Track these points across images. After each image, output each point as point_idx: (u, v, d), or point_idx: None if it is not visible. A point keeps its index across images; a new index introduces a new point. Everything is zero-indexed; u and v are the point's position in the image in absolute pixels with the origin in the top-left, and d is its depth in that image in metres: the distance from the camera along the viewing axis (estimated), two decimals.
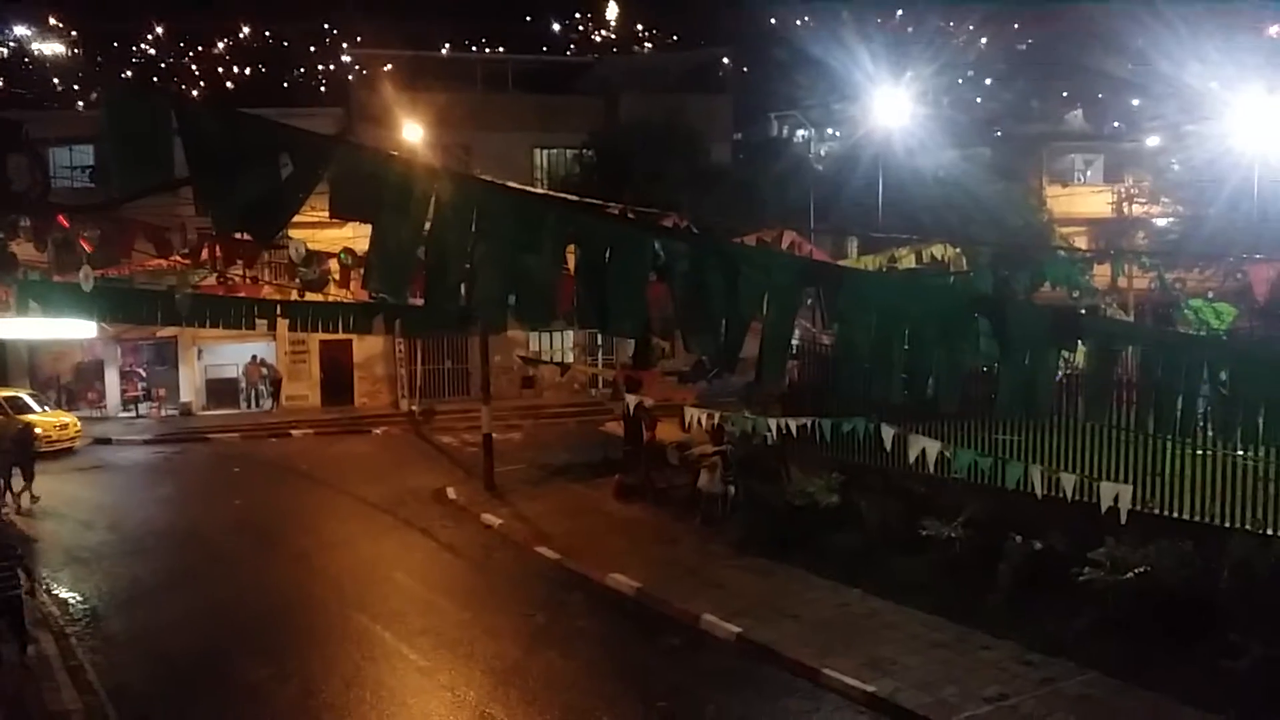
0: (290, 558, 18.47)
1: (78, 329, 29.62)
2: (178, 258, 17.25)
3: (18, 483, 22.33)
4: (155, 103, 4.66)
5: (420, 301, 5.34)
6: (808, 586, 15.57)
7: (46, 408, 30.25)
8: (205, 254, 17.21)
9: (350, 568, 17.70)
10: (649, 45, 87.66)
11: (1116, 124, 45.30)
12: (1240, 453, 12.52)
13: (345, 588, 16.51)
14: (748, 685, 12.54)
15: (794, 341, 18.20)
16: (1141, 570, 12.57)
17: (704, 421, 17.51)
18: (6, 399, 28.86)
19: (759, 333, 5.26)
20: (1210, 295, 21.29)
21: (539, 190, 25.12)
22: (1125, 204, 39.33)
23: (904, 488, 16.13)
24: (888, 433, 14.03)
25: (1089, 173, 45.09)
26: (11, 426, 24.81)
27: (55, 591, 16.40)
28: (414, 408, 34.24)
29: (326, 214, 4.71)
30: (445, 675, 12.91)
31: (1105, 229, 40.94)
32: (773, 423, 16.15)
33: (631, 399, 18.98)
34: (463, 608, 15.65)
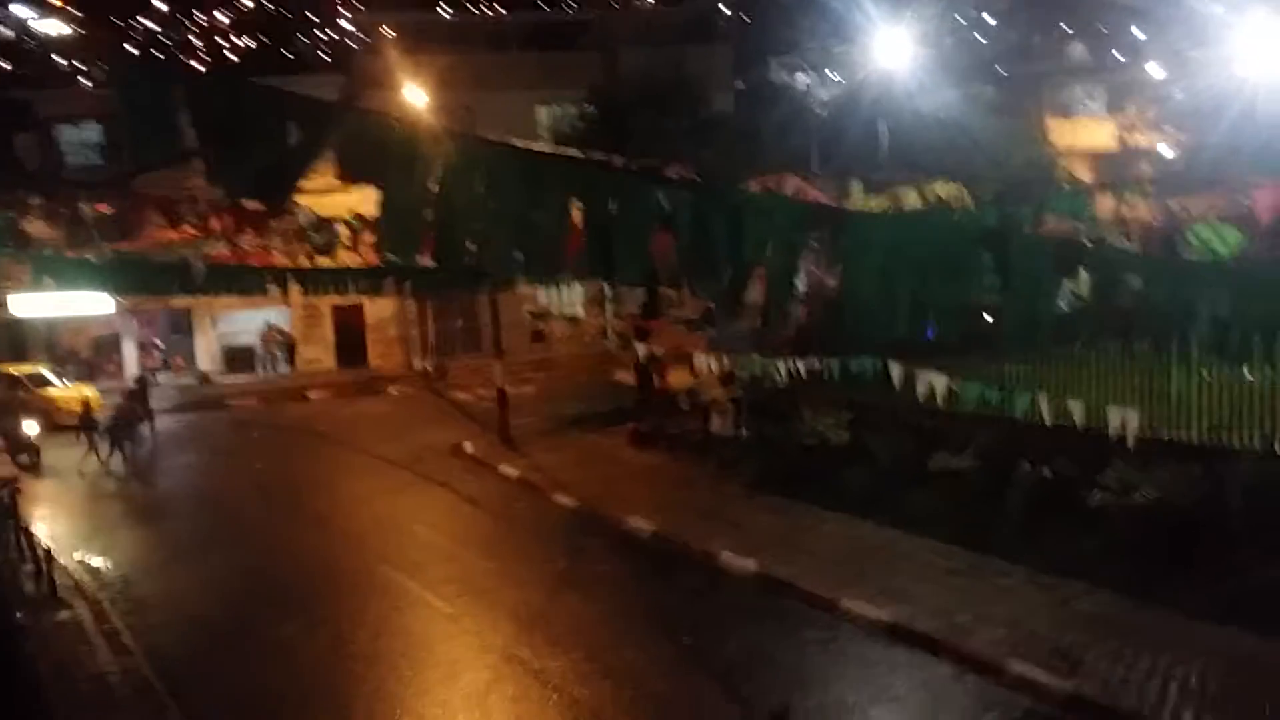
0: (313, 517, 18.80)
1: (94, 303, 29.95)
2: (189, 229, 17.46)
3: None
4: (164, 77, 4.79)
5: (429, 262, 5.48)
6: (821, 522, 15.84)
7: (66, 382, 30.60)
8: (216, 224, 17.41)
9: (372, 523, 18.03)
10: None
11: (1118, 54, 44.84)
12: (1246, 374, 12.66)
13: (369, 542, 16.83)
14: (767, 618, 12.81)
15: (800, 285, 18.35)
16: (1150, 493, 12.77)
17: (714, 367, 17.72)
18: (27, 375, 29.21)
19: (764, 278, 5.40)
20: (1211, 222, 21.29)
21: (542, 147, 25.23)
22: (1128, 134, 39.09)
23: (913, 423, 16.31)
24: (895, 370, 14.20)
25: (1091, 104, 44.76)
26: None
27: (86, 560, 16.75)
28: (427, 366, 34.51)
29: (334, 179, 4.83)
30: (471, 621, 13.19)
31: (1109, 161, 40.71)
32: (782, 365, 16.33)
33: (642, 348, 19.19)
34: (485, 557, 15.96)
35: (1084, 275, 5.86)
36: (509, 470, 20.84)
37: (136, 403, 25.46)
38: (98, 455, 23.45)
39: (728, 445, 19.23)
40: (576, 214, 5.24)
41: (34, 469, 22.66)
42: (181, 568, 16.22)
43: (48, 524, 18.42)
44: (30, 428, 23.53)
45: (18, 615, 10.80)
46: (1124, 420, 12.41)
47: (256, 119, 4.75)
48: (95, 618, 14.05)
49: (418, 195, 4.98)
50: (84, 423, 24.15)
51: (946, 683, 10.85)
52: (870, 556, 14.25)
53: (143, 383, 28.18)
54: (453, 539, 17.05)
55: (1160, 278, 5.65)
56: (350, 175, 4.90)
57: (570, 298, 36.77)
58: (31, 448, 23.36)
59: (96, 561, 16.64)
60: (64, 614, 14.10)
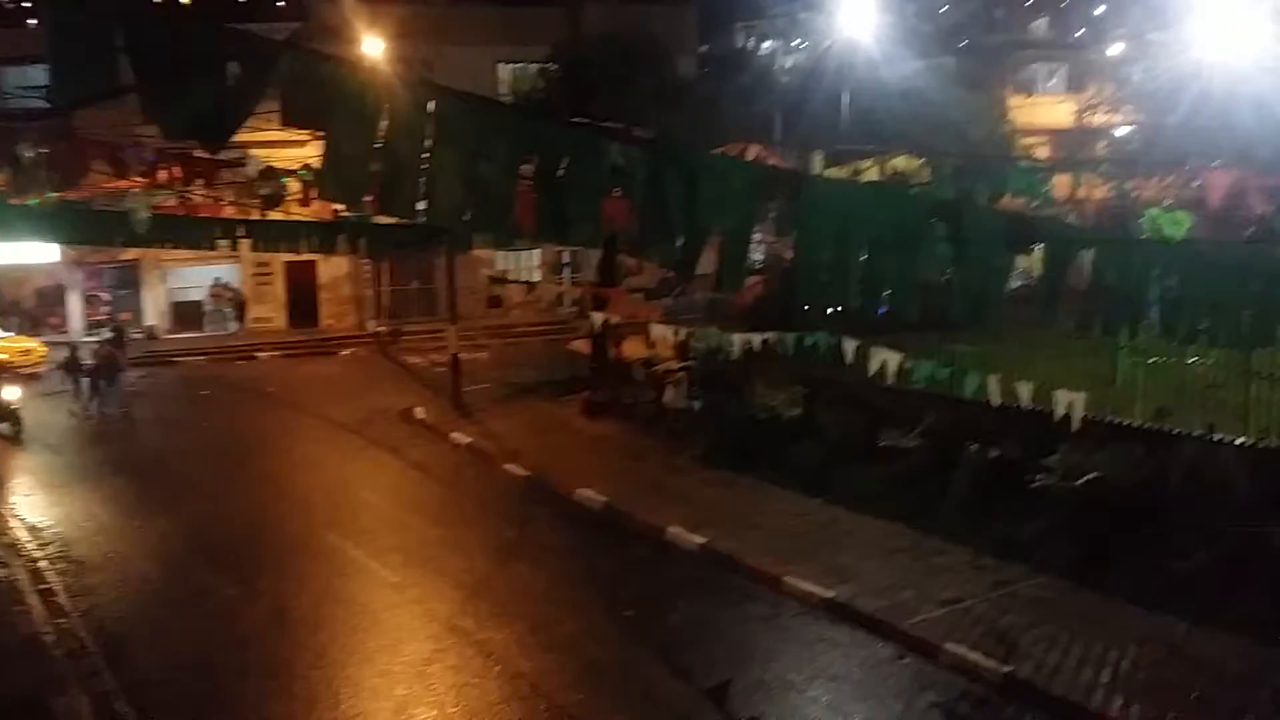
0: (260, 479, 18.61)
1: (39, 253, 29.29)
2: (136, 178, 17.04)
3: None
4: (98, 7, 4.58)
5: (374, 211, 5.32)
6: (770, 497, 15.93)
7: (9, 333, 30.01)
8: (164, 174, 17.00)
9: (320, 487, 17.87)
10: None
11: (1080, 32, 44.94)
12: (1191, 359, 12.82)
13: (315, 507, 16.69)
14: (711, 593, 12.86)
15: (756, 255, 18.35)
16: (1094, 476, 12.93)
17: (669, 338, 17.69)
18: None
19: (719, 243, 5.30)
20: (1166, 203, 21.48)
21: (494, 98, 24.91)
22: (1087, 113, 39.27)
23: (864, 400, 16.41)
24: (849, 346, 14.25)
25: (1052, 82, 44.93)
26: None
27: (24, 518, 16.47)
28: (380, 329, 34.19)
29: (286, 130, 4.66)
30: (416, 590, 13.14)
31: (1067, 139, 40.90)
32: (736, 338, 16.33)
33: (598, 317, 19.11)
34: (432, 524, 15.88)
35: (1036, 252, 5.84)
36: (460, 437, 20.73)
37: (116, 349, 25.43)
38: (80, 399, 24.18)
39: (680, 417, 19.24)
40: (528, 169, 5.11)
41: (16, 438, 21.33)
42: (123, 528, 15.99)
43: None
44: (11, 393, 21.87)
45: None
46: (1070, 402, 12.57)
47: (195, 55, 4.60)
48: (31, 577, 13.87)
49: (364, 142, 4.85)
50: (68, 366, 24.94)
51: (886, 662, 10.97)
52: (816, 533, 14.35)
53: (119, 331, 28.28)
54: (400, 506, 16.95)
55: (1111, 256, 5.63)
56: (294, 120, 4.74)
57: (528, 263, 36.55)
58: (13, 415, 21.78)
59: (35, 520, 16.36)
60: None
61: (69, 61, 4.58)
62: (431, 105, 4.97)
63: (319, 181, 5.21)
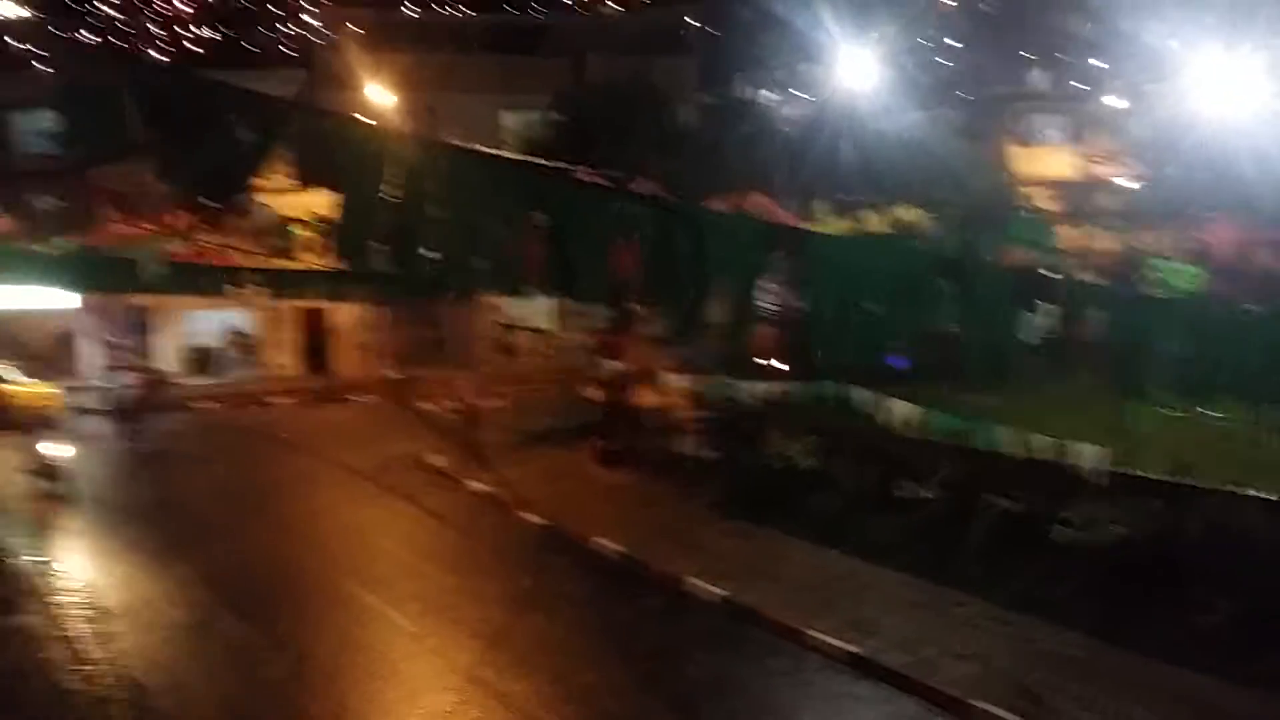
0: (277, 526, 18.57)
1: (54, 299, 29.35)
2: (146, 225, 17.20)
3: None
4: (113, 67, 4.68)
5: (387, 267, 5.37)
6: (788, 548, 15.91)
7: (24, 379, 29.88)
8: (173, 221, 17.17)
9: (336, 534, 17.85)
10: (615, 5, 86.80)
11: (1079, 84, 45.55)
12: (1211, 412, 12.87)
13: (332, 554, 16.67)
14: (731, 645, 12.84)
15: (766, 305, 18.45)
16: (1114, 529, 12.94)
17: (682, 386, 17.75)
18: None
19: (726, 297, 5.36)
20: (1171, 256, 21.74)
21: (505, 153, 25.10)
22: (1088, 164, 39.72)
23: (880, 450, 16.43)
24: (861, 396, 14.31)
25: (1052, 133, 45.43)
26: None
27: (42, 562, 16.40)
28: (394, 375, 34.14)
29: (293, 179, 4.74)
30: (434, 640, 13.11)
31: (1069, 190, 41.33)
32: (749, 387, 16.40)
33: (611, 364, 19.16)
34: (449, 573, 15.86)
35: (1047, 307, 5.90)
36: (475, 485, 20.70)
37: (148, 392, 27.10)
38: (120, 435, 25.53)
39: (695, 466, 19.25)
40: (537, 224, 5.19)
41: (61, 498, 19.29)
42: (143, 574, 15.95)
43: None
44: (57, 450, 19.87)
45: None
46: (1089, 455, 12.63)
47: (208, 115, 4.68)
48: (55, 623, 13.81)
49: (375, 199, 4.92)
50: (112, 405, 26.45)
51: (912, 719, 10.94)
52: (835, 585, 14.33)
53: (157, 374, 29.45)
54: (417, 554, 16.92)
55: (1122, 312, 5.68)
56: (307, 177, 4.81)
57: (538, 310, 36.62)
58: (59, 474, 19.69)
59: (54, 565, 16.29)
60: (15, 619, 13.84)
61: (83, 122, 4.68)
62: (440, 160, 5.05)
63: (334, 240, 5.25)
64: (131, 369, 33.82)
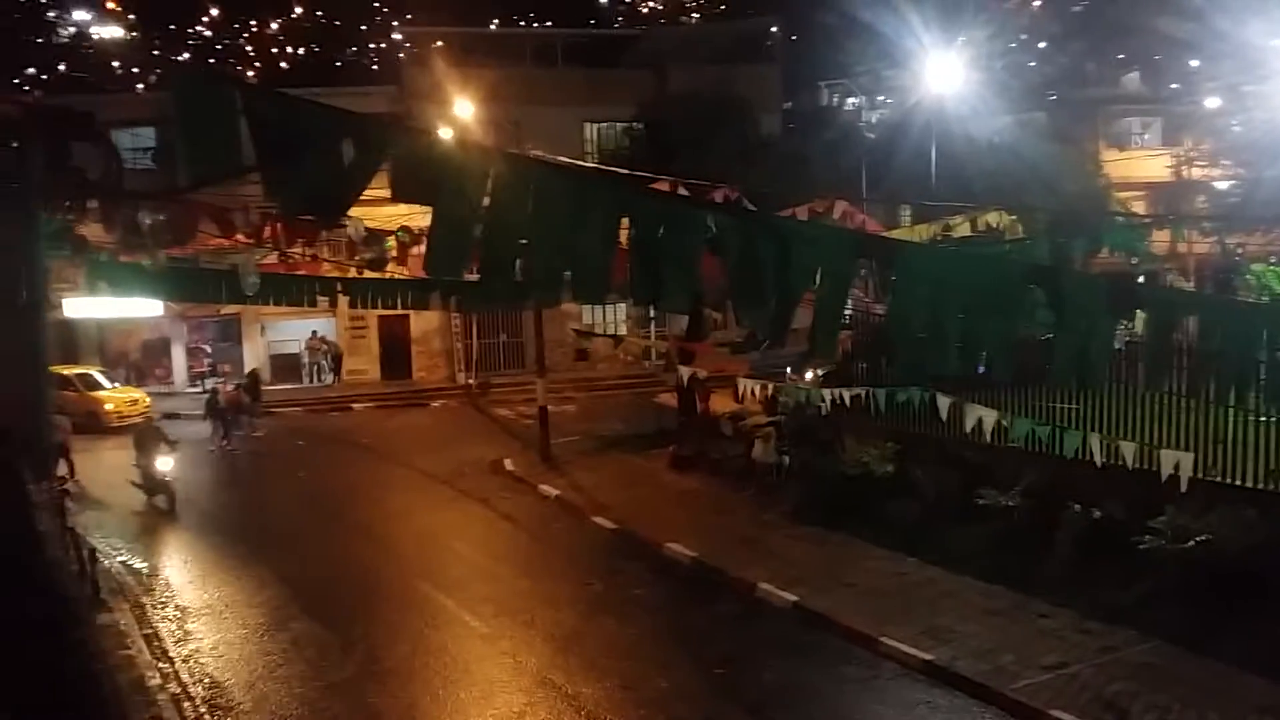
0: (354, 528, 18.86)
1: (145, 307, 30.32)
2: (240, 237, 17.61)
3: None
4: (223, 90, 4.79)
5: (476, 279, 5.45)
6: (863, 555, 15.66)
7: (116, 384, 31.00)
8: (267, 233, 17.56)
9: (412, 538, 18.06)
10: (696, 16, 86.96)
11: (1174, 85, 44.25)
12: None
13: (407, 557, 16.87)
14: (805, 652, 12.66)
15: (846, 312, 18.26)
16: (1203, 538, 12.47)
17: (757, 392, 17.61)
18: (78, 376, 29.60)
19: (811, 304, 5.32)
20: (1273, 259, 20.94)
21: (591, 165, 25.23)
22: (1184, 167, 38.55)
23: (960, 457, 16.10)
24: (943, 402, 14.02)
25: (1146, 136, 44.19)
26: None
27: (129, 562, 16.90)
28: (470, 381, 34.60)
29: (383, 193, 4.83)
30: (506, 642, 13.16)
31: (1164, 193, 40.17)
32: (826, 393, 16.19)
33: (685, 370, 19.11)
34: (522, 576, 15.93)
35: (1139, 314, 5.72)
36: (548, 489, 20.82)
37: (247, 394, 28.43)
38: (215, 438, 26.48)
39: (769, 472, 19.08)
40: (624, 236, 5.20)
41: (170, 512, 19.82)
42: (223, 574, 16.31)
43: (93, 525, 18.60)
44: (164, 464, 20.01)
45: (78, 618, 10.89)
46: (1177, 463, 12.17)
47: (314, 137, 4.75)
48: (137, 622, 14.20)
49: (467, 215, 4.95)
50: (209, 409, 27.05)
51: None
52: (912, 593, 14.07)
53: (254, 376, 30.39)
54: (490, 557, 17.04)
55: (1217, 319, 5.48)
56: (402, 196, 4.87)
57: (614, 317, 36.76)
58: (166, 486, 20.05)
59: (140, 565, 16.79)
60: (106, 617, 14.23)
61: (199, 146, 4.78)
62: (531, 177, 5.08)
63: (426, 257, 5.33)
64: (223, 375, 34.96)
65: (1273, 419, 12.82)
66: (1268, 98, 30.49)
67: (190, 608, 14.87)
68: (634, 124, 33.87)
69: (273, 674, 12.49)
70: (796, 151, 33.61)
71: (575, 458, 23.28)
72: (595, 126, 38.11)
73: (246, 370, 32.06)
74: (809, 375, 20.81)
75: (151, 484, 19.94)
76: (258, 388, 29.90)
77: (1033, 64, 48.72)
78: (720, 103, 31.62)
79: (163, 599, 15.26)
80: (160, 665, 12.73)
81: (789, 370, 22.51)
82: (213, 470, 24.57)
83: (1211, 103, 37.83)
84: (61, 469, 22.17)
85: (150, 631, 13.84)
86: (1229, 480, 13.29)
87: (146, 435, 20.70)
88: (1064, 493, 14.18)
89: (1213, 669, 11.27)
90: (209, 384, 35.47)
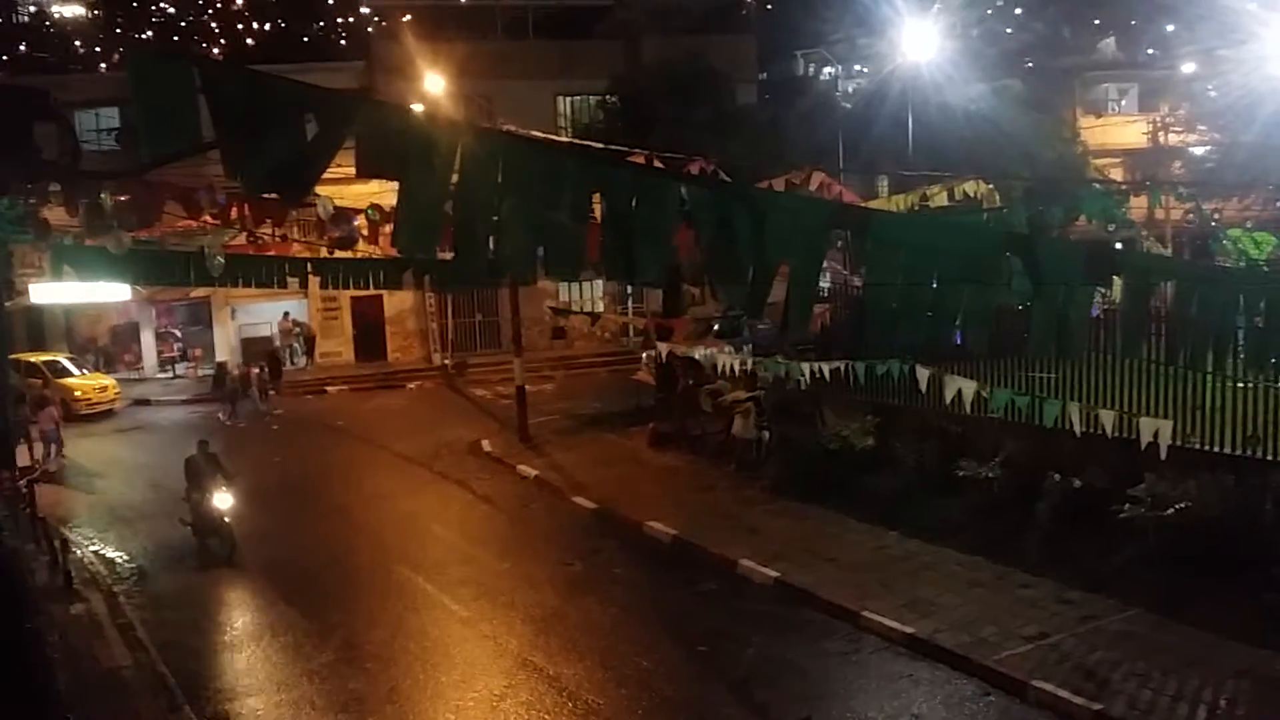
0: (330, 512, 18.70)
1: (112, 292, 29.93)
2: (207, 218, 17.32)
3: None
4: (181, 66, 4.65)
5: (449, 256, 5.36)
6: (844, 529, 15.62)
7: (85, 370, 30.60)
8: (234, 214, 17.28)
9: (390, 521, 17.91)
10: None
11: (1151, 51, 44.24)
12: None
13: (385, 540, 16.72)
14: (787, 628, 12.62)
15: (824, 285, 18.15)
16: (1182, 505, 12.49)
17: (736, 367, 17.48)
18: (45, 363, 29.20)
19: (787, 277, 5.22)
20: (1249, 224, 20.93)
21: (563, 140, 24.95)
22: (1161, 133, 38.59)
23: (940, 429, 16.07)
24: (923, 374, 13.93)
25: (1123, 102, 44.16)
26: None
27: (102, 551, 16.69)
28: (446, 361, 34.38)
29: (352, 170, 4.71)
30: (487, 625, 13.07)
31: (1141, 159, 40.21)
32: (805, 367, 16.08)
33: (663, 347, 18.97)
34: (501, 558, 15.82)
35: (1116, 281, 5.66)
36: (527, 469, 20.69)
37: (268, 373, 29.53)
38: (224, 411, 27.69)
39: (749, 448, 18.99)
40: (597, 210, 5.09)
41: (229, 560, 15.91)
42: (196, 561, 16.10)
43: (63, 514, 18.38)
44: (223, 501, 16.06)
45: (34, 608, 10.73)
46: (1156, 431, 12.12)
47: (275, 112, 4.63)
48: (110, 611, 14.06)
49: (437, 191, 4.86)
50: (216, 384, 28.52)
51: (970, 700, 10.64)
52: (893, 566, 14.03)
53: (274, 357, 31.34)
54: (469, 539, 16.91)
55: (1195, 284, 5.44)
56: (368, 171, 4.78)
57: (591, 294, 36.56)
58: (225, 528, 16.11)
59: (112, 553, 16.59)
60: (79, 606, 14.08)
61: (154, 118, 4.67)
62: (502, 151, 4.96)
63: (394, 234, 5.25)
64: (193, 359, 34.70)
65: (1250, 385, 12.81)
66: (1243, 62, 30.46)
67: (164, 596, 14.70)
68: (608, 96, 33.50)
69: (251, 660, 12.38)
70: (773, 122, 33.36)
71: (554, 437, 23.15)
72: (569, 100, 37.75)
73: (270, 350, 32.76)
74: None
75: (205, 524, 16.05)
76: (279, 368, 30.46)
77: (1009, 31, 48.48)
78: (695, 73, 31.30)
79: (137, 588, 15.08)
80: (136, 654, 12.57)
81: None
82: (185, 455, 24.24)
83: (1187, 68, 37.87)
84: (37, 452, 22.02)
85: (124, 621, 13.66)
86: (1207, 447, 13.28)
87: (200, 464, 16.43)
88: (1044, 463, 14.16)
89: (1192, 636, 11.29)
90: (182, 367, 35.34)
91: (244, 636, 13.21)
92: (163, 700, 11.34)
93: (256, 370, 29.39)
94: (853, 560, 14.34)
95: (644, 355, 24.26)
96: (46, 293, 28.61)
